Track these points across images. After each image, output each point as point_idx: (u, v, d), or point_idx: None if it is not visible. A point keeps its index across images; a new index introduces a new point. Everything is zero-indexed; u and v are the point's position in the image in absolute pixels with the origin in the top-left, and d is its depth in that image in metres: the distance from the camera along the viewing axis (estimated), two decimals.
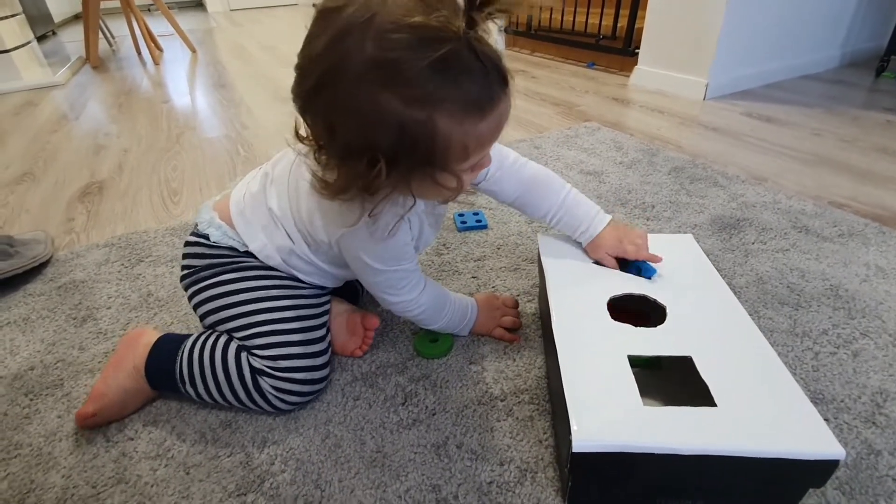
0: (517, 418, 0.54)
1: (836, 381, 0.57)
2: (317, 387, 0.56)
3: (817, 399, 0.55)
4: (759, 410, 0.42)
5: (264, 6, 5.15)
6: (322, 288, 0.62)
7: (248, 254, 0.57)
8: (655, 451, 0.40)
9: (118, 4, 2.57)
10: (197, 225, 0.59)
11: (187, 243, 0.61)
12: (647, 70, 1.79)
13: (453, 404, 0.56)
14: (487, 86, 0.39)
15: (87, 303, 0.76)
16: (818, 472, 0.40)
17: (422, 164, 0.40)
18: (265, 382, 0.53)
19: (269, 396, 0.53)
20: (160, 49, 2.86)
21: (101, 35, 2.85)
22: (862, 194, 1.00)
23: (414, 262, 0.57)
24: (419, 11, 0.34)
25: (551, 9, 2.24)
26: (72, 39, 3.44)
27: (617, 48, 1.95)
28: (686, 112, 1.52)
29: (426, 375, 0.60)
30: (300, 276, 0.59)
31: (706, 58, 1.57)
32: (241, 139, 1.44)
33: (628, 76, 1.87)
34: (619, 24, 1.93)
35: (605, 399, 0.43)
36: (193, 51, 2.83)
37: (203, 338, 0.57)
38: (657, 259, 0.59)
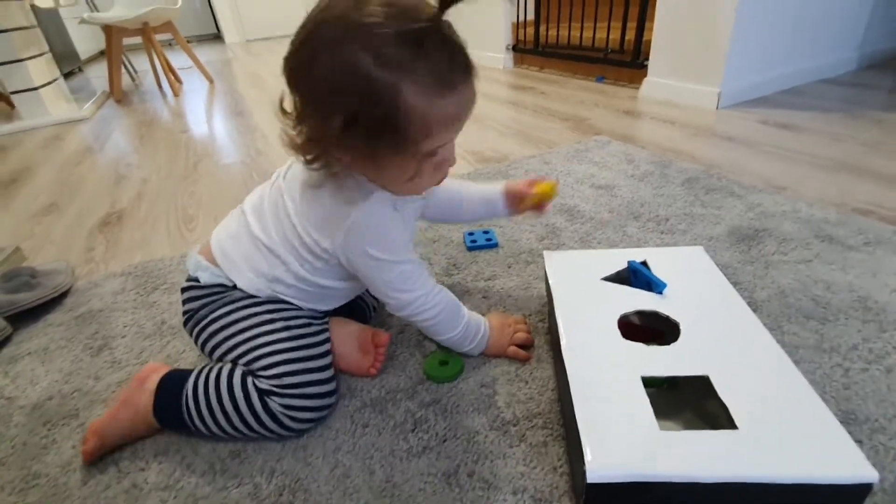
0: (530, 444, 0.52)
1: (870, 400, 0.54)
2: (325, 401, 0.56)
3: (849, 419, 0.52)
4: (783, 432, 0.39)
5: (278, 36, 5.33)
6: (319, 312, 0.62)
7: (238, 288, 0.59)
8: (675, 481, 0.38)
9: (140, 40, 2.68)
10: (188, 272, 0.62)
11: (183, 290, 0.62)
12: (658, 81, 1.78)
13: (464, 430, 0.55)
14: (453, 67, 0.42)
15: (103, 332, 0.77)
16: (850, 497, 0.37)
17: (382, 128, 0.42)
18: (274, 403, 0.52)
19: (281, 417, 0.53)
20: (180, 81, 2.97)
21: (124, 70, 2.98)
22: (888, 200, 0.96)
23: (417, 257, 0.57)
24: None
25: (558, 25, 2.26)
26: (97, 75, 3.59)
27: (625, 61, 1.94)
28: (699, 122, 1.50)
29: (436, 400, 0.59)
30: (294, 302, 0.59)
31: (717, 66, 1.55)
32: (256, 165, 1.47)
33: (638, 88, 1.86)
34: (626, 37, 1.93)
35: (620, 425, 0.41)
36: (211, 81, 2.92)
37: (207, 370, 0.57)
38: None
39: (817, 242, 0.83)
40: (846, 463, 0.37)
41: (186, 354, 0.70)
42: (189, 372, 0.57)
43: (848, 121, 1.39)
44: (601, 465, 0.38)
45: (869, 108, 1.47)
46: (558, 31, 2.26)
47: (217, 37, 5.80)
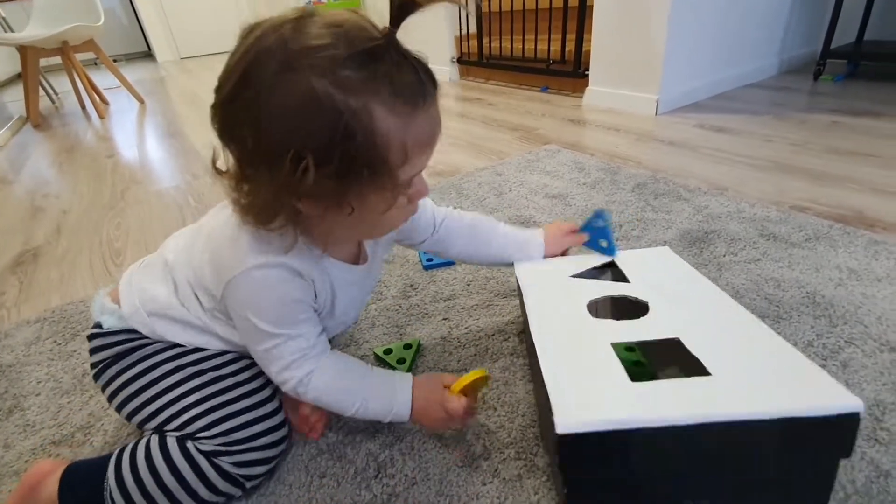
0: (504, 479, 0.49)
1: None
2: (281, 447, 0.50)
3: None
4: (759, 374, 0.38)
5: (216, 52, 5.13)
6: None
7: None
8: (651, 426, 0.35)
9: (59, 61, 2.48)
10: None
11: (89, 337, 0.53)
12: (599, 90, 1.82)
13: (435, 469, 0.50)
14: (419, 81, 0.37)
15: (13, 390, 0.67)
16: (839, 432, 0.35)
17: (358, 161, 0.36)
18: (224, 463, 0.46)
19: (235, 475, 0.46)
20: (106, 102, 2.77)
21: (42, 92, 2.75)
22: (821, 196, 1.01)
23: (314, 332, 0.48)
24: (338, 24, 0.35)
25: (500, 37, 2.29)
26: (13, 99, 3.30)
27: (567, 71, 1.99)
28: (641, 128, 1.54)
29: (400, 438, 0.54)
30: (215, 345, 0.52)
31: (654, 74, 1.61)
32: (192, 189, 1.37)
33: (581, 97, 1.91)
34: (567, 48, 1.97)
35: (590, 380, 0.39)
36: (141, 101, 2.75)
37: (129, 451, 0.47)
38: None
39: (763, 241, 0.86)
40: (827, 395, 0.35)
41: (113, 412, 0.62)
42: (98, 461, 0.48)
43: (776, 122, 1.47)
44: (570, 416, 0.35)
45: (793, 110, 1.57)
46: (501, 43, 2.29)
47: (148, 55, 5.51)
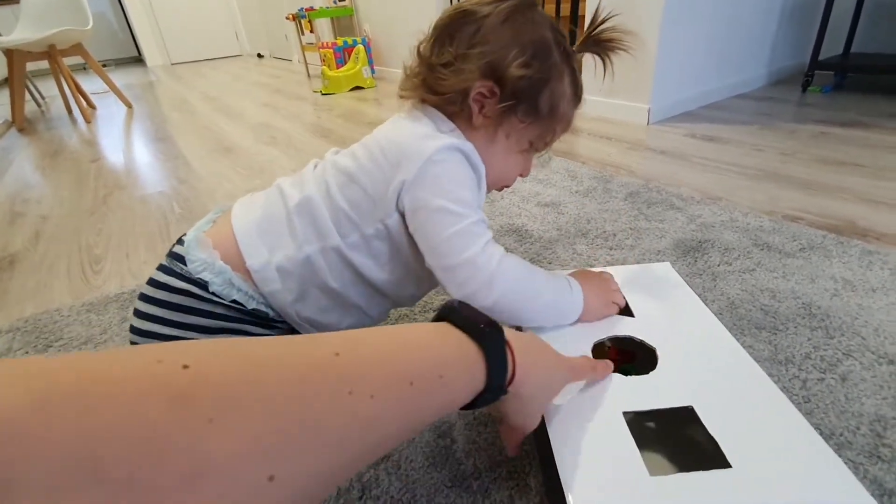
0: (494, 500, 0.46)
1: (831, 412, 0.53)
2: None
3: None
4: (778, 466, 0.37)
5: (207, 59, 5.11)
6: None
7: (258, 316, 0.46)
8: None
9: (46, 65, 2.44)
10: (183, 261, 0.44)
11: (159, 285, 0.44)
12: (591, 99, 1.83)
13: (422, 490, 0.48)
14: (582, 90, 0.54)
15: None
16: None
17: (538, 85, 0.48)
18: None
19: None
20: (93, 107, 2.73)
21: (28, 96, 2.71)
22: (812, 206, 1.01)
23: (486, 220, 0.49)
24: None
25: None
26: None
27: None
28: (633, 137, 1.54)
29: (387, 457, 0.52)
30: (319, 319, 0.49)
31: (646, 83, 1.62)
32: (177, 195, 1.34)
33: None
34: None
35: (606, 474, 0.37)
36: (129, 106, 2.71)
37: None
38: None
39: (757, 251, 0.85)
40: (846, 497, 0.34)
41: None
42: None
43: (765, 132, 1.48)
44: None
45: (781, 120, 1.58)
46: None
47: (138, 60, 5.47)
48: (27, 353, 0.73)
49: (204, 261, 0.43)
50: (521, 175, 0.57)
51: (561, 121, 0.52)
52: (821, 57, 1.79)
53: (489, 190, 0.55)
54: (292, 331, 0.50)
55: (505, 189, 0.58)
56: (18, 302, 0.88)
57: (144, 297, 0.45)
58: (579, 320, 0.50)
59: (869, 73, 1.89)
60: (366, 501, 0.47)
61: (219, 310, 0.44)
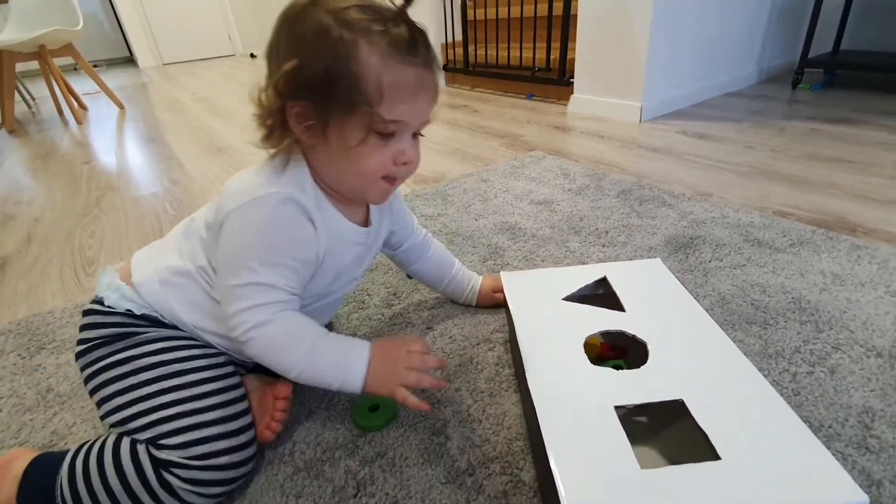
0: (489, 496, 0.47)
1: (820, 404, 0.54)
2: (241, 470, 0.47)
3: None
4: (768, 460, 0.37)
5: (199, 59, 5.07)
6: (242, 360, 0.54)
7: (151, 319, 0.51)
8: None
9: (37, 66, 2.42)
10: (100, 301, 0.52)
11: (84, 313, 0.53)
12: (583, 98, 1.83)
13: (417, 487, 0.48)
14: (412, 40, 0.42)
15: None
16: None
17: (336, 79, 0.41)
18: (174, 477, 0.43)
19: (181, 492, 0.43)
20: (84, 108, 2.71)
21: (18, 97, 2.68)
22: (803, 202, 1.02)
23: (293, 287, 0.47)
24: None
25: (486, 45, 2.30)
26: None
27: (552, 79, 2.00)
28: (625, 135, 1.55)
29: (381, 454, 0.52)
30: (207, 338, 0.52)
31: (637, 82, 1.63)
32: (170, 196, 1.34)
33: (566, 105, 1.92)
34: (552, 56, 1.98)
35: (598, 467, 0.37)
36: (121, 107, 2.70)
37: (87, 446, 0.47)
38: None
39: (747, 246, 0.85)
40: (835, 488, 0.35)
41: (77, 428, 0.59)
42: (65, 454, 0.47)
43: (756, 129, 1.49)
44: None
45: (771, 118, 1.59)
46: (486, 50, 2.30)
47: (130, 60, 5.43)
48: (20, 356, 0.72)
49: (108, 284, 0.52)
50: (404, 164, 0.47)
51: (388, 89, 0.42)
52: (810, 55, 1.81)
53: (366, 191, 0.49)
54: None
55: (402, 180, 0.50)
56: (11, 304, 0.88)
57: (82, 316, 0.53)
58: (365, 389, 0.48)
59: (858, 70, 1.91)
60: (361, 498, 0.47)
61: (116, 319, 0.51)
